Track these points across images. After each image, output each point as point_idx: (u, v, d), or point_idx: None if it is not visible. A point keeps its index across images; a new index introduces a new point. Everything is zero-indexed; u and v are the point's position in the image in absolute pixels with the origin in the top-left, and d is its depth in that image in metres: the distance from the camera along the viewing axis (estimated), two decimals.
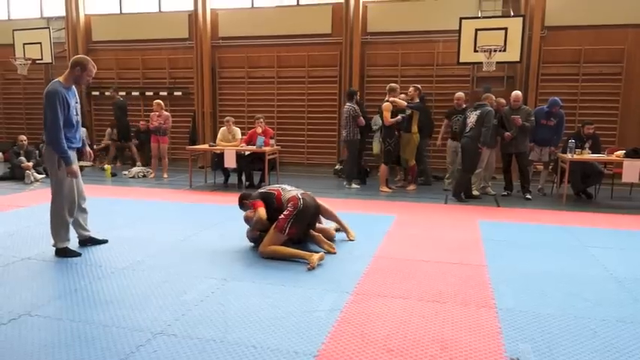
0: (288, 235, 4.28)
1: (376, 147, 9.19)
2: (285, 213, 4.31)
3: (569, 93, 9.46)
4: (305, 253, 4.17)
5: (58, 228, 4.25)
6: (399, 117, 7.68)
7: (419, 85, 8.29)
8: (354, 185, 8.48)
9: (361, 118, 8.26)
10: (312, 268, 3.96)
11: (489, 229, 5.40)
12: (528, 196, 7.42)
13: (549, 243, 4.89)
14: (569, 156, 7.08)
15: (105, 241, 4.65)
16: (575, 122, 8.98)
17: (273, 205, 4.48)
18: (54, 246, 4.28)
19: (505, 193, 7.73)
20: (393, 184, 8.53)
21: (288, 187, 4.67)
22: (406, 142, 8.01)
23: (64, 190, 4.18)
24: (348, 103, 8.28)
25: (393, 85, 8.00)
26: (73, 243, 4.44)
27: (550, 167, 8.07)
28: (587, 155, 7.20)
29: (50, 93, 4.03)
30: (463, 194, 7.27)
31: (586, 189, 7.63)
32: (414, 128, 7.96)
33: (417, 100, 8.04)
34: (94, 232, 4.64)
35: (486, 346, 2.69)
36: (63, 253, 4.25)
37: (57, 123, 4.02)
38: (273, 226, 4.33)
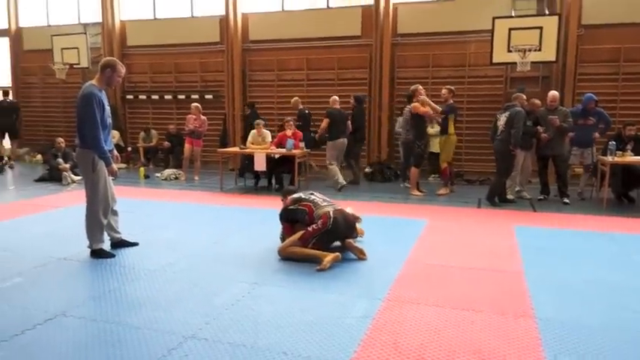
0: (311, 249, 4.22)
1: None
2: (313, 227, 4.25)
3: (609, 93, 9.10)
4: (321, 253, 4.11)
5: (94, 229, 4.32)
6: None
7: (452, 87, 8.04)
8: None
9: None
10: (322, 269, 3.93)
11: (526, 235, 5.23)
12: (566, 201, 7.16)
13: (590, 250, 4.70)
14: (609, 158, 6.81)
15: (136, 244, 4.69)
16: (615, 123, 8.64)
17: (305, 221, 4.39)
18: (89, 247, 4.35)
19: (541, 198, 7.48)
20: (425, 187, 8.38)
21: (321, 202, 4.47)
22: (443, 143, 7.88)
23: (99, 192, 4.25)
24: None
25: (414, 87, 7.80)
26: (107, 244, 4.51)
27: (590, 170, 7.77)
28: (629, 157, 6.92)
29: (87, 95, 4.10)
30: (497, 198, 7.08)
31: (628, 192, 7.32)
32: (451, 129, 7.77)
33: (451, 102, 7.84)
34: (125, 235, 4.69)
35: (526, 358, 2.58)
36: (98, 254, 4.32)
37: (96, 124, 4.10)
38: (300, 234, 4.29)
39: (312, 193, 4.66)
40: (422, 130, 7.74)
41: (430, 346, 2.70)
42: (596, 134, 7.47)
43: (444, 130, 7.85)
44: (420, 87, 7.80)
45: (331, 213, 4.30)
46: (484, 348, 2.69)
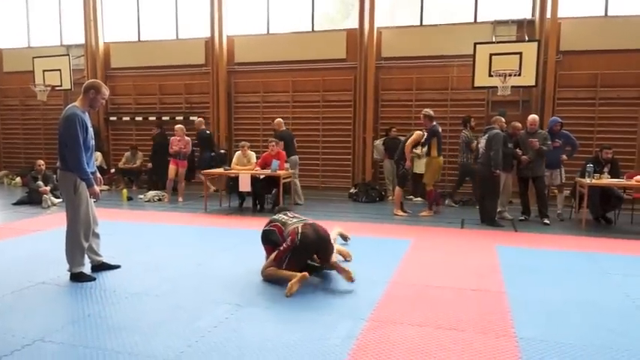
0: (287, 268, 4.14)
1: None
2: (284, 245, 4.21)
3: (587, 117, 9.39)
4: (290, 274, 4.01)
5: (74, 252, 4.26)
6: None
7: (429, 111, 7.82)
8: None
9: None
10: (290, 294, 3.83)
11: (507, 255, 5.29)
12: (546, 221, 7.28)
13: (570, 269, 4.77)
14: (587, 180, 6.96)
15: (117, 267, 4.63)
16: (593, 147, 8.87)
17: (278, 241, 4.39)
18: (69, 270, 4.28)
19: (522, 218, 7.59)
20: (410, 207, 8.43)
21: (289, 220, 4.44)
22: (426, 165, 7.96)
23: (80, 214, 4.21)
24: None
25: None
26: (88, 268, 4.44)
27: (568, 192, 7.94)
28: (606, 180, 7.08)
29: (70, 116, 4.09)
30: (487, 220, 7.13)
31: (605, 214, 7.47)
32: (434, 152, 7.82)
33: (433, 124, 7.84)
34: (107, 257, 4.64)
35: None
36: (78, 277, 4.25)
37: (79, 146, 4.08)
38: (274, 255, 4.29)
39: (285, 213, 4.66)
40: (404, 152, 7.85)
41: None
42: (564, 156, 7.69)
43: (426, 153, 7.97)
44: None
45: (299, 228, 4.23)
46: None
